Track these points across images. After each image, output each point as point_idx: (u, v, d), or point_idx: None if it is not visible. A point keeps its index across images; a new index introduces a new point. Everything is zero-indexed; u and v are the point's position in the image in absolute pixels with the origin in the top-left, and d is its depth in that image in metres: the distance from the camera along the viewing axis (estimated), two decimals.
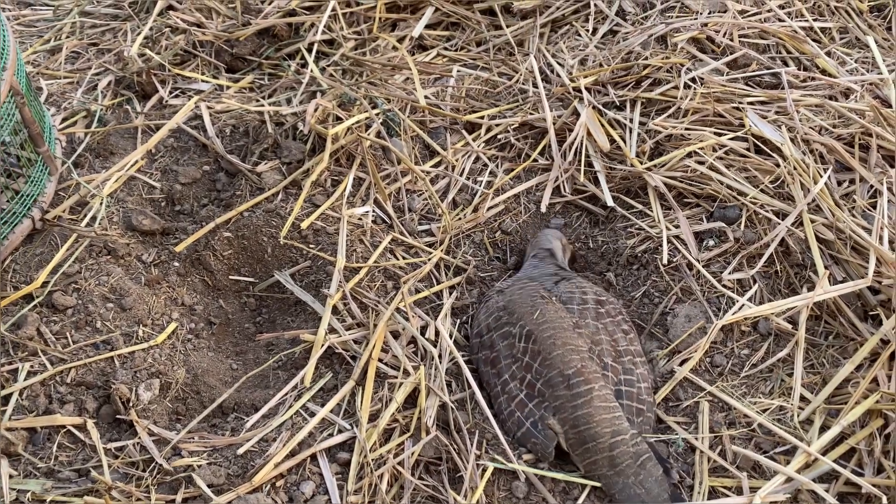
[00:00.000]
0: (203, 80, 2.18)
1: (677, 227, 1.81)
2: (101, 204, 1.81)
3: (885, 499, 1.36)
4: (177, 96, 2.15)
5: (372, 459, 1.42)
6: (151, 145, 1.97)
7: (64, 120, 2.06)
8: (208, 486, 1.36)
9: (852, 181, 1.81)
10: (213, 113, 2.04)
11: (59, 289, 1.64)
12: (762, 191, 1.80)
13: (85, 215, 1.80)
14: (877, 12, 2.32)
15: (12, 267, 1.69)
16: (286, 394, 1.53)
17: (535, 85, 2.13)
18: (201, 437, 1.47)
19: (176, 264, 1.79)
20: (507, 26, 2.32)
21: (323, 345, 1.56)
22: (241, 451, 1.43)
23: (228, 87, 2.17)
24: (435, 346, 1.59)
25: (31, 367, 1.53)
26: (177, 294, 1.74)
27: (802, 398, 1.54)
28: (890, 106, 1.98)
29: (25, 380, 1.51)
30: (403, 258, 1.79)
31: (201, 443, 1.45)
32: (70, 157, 1.94)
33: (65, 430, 1.46)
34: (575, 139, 1.98)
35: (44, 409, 1.49)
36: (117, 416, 1.49)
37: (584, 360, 1.52)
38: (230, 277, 1.80)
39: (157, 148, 1.99)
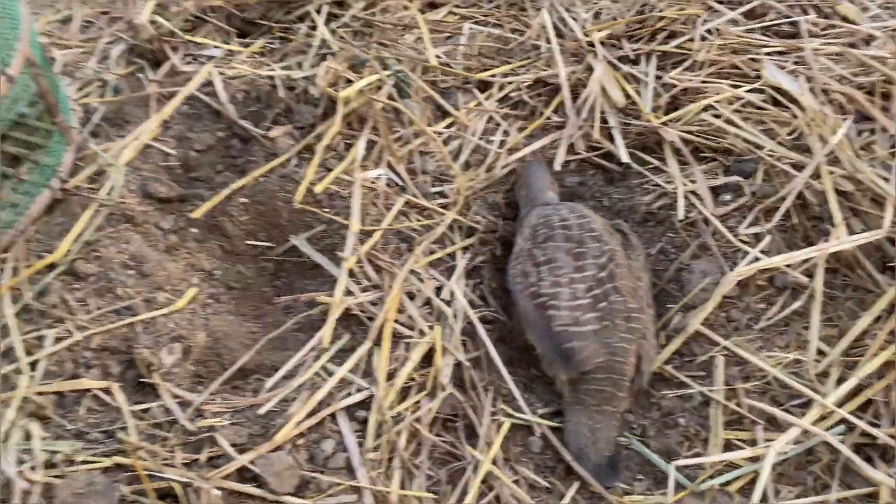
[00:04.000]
0: (214, 46, 2.18)
1: (693, 182, 1.80)
2: (117, 173, 1.83)
3: None
4: (189, 63, 2.14)
5: (390, 417, 1.45)
6: (167, 114, 1.98)
7: (79, 90, 2.08)
8: (231, 445, 1.40)
9: (872, 131, 1.78)
10: (226, 79, 2.04)
11: (80, 257, 1.68)
12: (779, 143, 1.77)
13: (103, 184, 1.82)
14: None
15: (34, 237, 1.72)
16: (305, 355, 1.56)
17: (547, 40, 2.10)
18: (223, 398, 1.50)
19: (194, 231, 1.81)
20: None
21: (340, 307, 1.59)
22: (262, 411, 1.46)
23: (240, 53, 2.16)
24: (450, 307, 1.61)
25: (57, 333, 1.57)
26: (195, 260, 1.77)
27: (819, 351, 1.54)
28: None
29: (52, 346, 1.55)
30: (417, 220, 1.79)
31: (223, 404, 1.48)
32: (86, 126, 1.96)
33: (91, 393, 1.50)
34: (589, 95, 1.96)
35: (71, 374, 1.53)
36: (141, 380, 1.53)
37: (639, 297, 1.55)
38: (247, 242, 1.83)
39: (172, 115, 2.00)
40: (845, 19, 2.02)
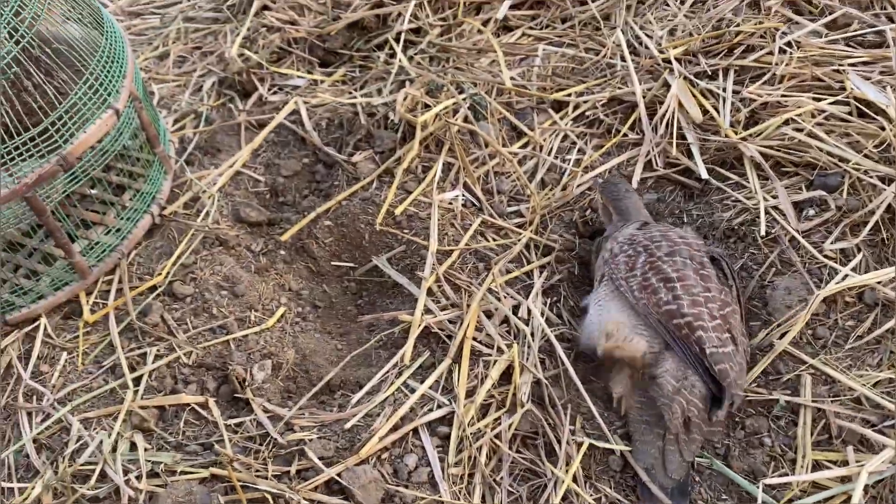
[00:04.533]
0: (299, 76, 2.29)
1: (775, 197, 1.77)
2: (211, 200, 1.94)
3: None
4: (275, 93, 2.26)
5: (470, 433, 1.48)
6: (257, 144, 2.09)
7: (175, 122, 2.22)
8: (319, 458, 1.46)
9: None
10: (310, 107, 2.14)
11: (177, 279, 1.79)
12: (866, 156, 1.72)
13: (198, 210, 1.94)
14: None
15: (136, 260, 1.84)
16: (388, 371, 1.61)
17: (622, 59, 2.11)
18: (311, 412, 1.57)
19: (282, 252, 1.90)
20: (593, 0, 2.30)
21: (420, 325, 1.63)
22: (348, 425, 1.52)
23: (322, 81, 2.26)
24: (527, 325, 1.63)
25: (158, 351, 1.68)
26: (284, 280, 1.86)
27: None
28: None
29: (153, 363, 1.66)
30: (494, 240, 1.83)
31: (311, 418, 1.55)
32: (182, 155, 2.09)
33: (190, 407, 1.59)
34: (666, 111, 1.95)
35: (170, 389, 1.63)
36: (235, 395, 1.61)
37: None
38: (332, 263, 1.90)
39: (260, 143, 2.11)
40: None
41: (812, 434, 1.44)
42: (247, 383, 1.61)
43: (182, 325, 1.73)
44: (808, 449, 1.42)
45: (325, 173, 2.01)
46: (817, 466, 1.40)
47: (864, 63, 1.89)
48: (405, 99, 2.00)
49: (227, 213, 1.94)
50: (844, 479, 1.36)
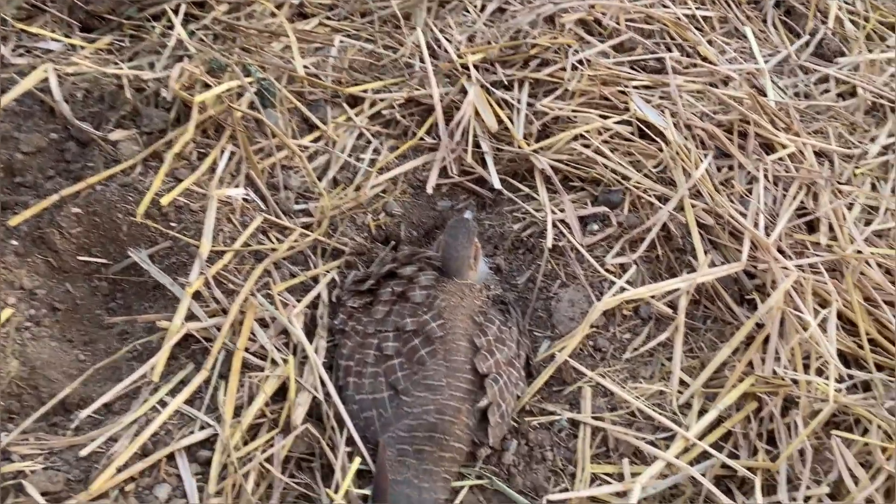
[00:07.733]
0: (53, 39, 1.96)
1: (563, 211, 1.78)
2: None
3: (757, 481, 1.38)
4: (21, 55, 1.91)
5: (237, 458, 1.30)
6: None
7: None
8: (42, 494, 1.20)
9: (731, 167, 1.84)
10: (63, 75, 1.82)
11: None
12: (646, 175, 1.79)
13: None
14: (753, 4, 2.38)
15: None
16: (137, 387, 1.38)
17: (421, 59, 2.05)
18: (38, 437, 1.30)
19: (14, 243, 1.58)
20: None
21: (179, 332, 1.42)
22: (84, 452, 1.28)
23: (83, 48, 1.96)
24: (311, 338, 1.48)
25: None
26: (14, 276, 1.54)
27: (682, 382, 1.55)
28: (765, 95, 2.03)
29: None
30: (277, 240, 1.66)
31: (37, 444, 1.28)
32: None
33: None
34: (462, 118, 1.91)
35: None
36: None
37: None
38: (79, 258, 1.61)
39: None
40: (706, 59, 2.10)
41: (591, 447, 1.44)
42: None
43: None
44: (587, 462, 1.42)
45: (78, 152, 1.72)
46: (595, 479, 1.40)
47: (646, 87, 1.98)
48: (181, 75, 1.76)
49: None
50: (621, 494, 1.36)
